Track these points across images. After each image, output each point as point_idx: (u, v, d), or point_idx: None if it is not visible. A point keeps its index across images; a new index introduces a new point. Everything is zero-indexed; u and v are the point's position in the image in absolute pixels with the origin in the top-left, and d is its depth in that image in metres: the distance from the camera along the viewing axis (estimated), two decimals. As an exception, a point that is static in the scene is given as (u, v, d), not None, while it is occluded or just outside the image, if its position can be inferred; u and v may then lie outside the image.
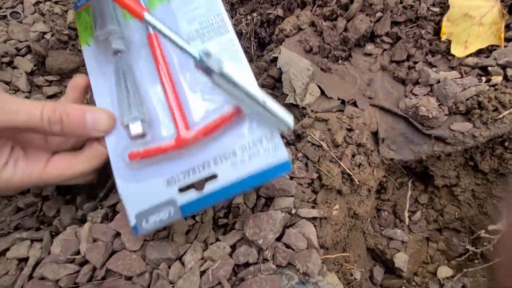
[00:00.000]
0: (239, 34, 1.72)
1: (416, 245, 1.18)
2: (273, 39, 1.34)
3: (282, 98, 1.18)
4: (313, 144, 0.95)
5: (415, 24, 1.05)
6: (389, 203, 1.24)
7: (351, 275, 1.06)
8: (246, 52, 1.68)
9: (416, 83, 1.02)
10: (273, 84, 1.21)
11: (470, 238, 1.15)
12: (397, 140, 1.01)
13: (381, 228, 1.21)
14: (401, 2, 1.06)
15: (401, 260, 1.12)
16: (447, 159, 1.04)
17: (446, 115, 0.94)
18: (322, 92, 1.03)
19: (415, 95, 1.00)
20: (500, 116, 0.87)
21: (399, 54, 1.06)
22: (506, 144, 0.93)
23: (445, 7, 1.01)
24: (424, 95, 0.99)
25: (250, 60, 1.69)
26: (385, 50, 1.09)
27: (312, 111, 1.02)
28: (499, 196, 1.05)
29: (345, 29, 1.12)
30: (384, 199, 1.23)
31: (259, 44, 1.57)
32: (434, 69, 1.02)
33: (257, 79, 1.24)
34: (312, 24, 1.21)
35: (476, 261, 1.12)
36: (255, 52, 1.57)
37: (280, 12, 1.42)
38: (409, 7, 1.03)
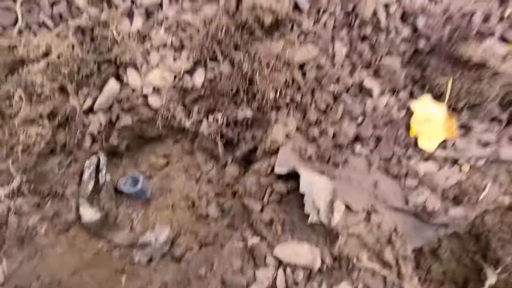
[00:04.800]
0: (197, 136, 1.54)
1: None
2: (259, 147, 1.26)
3: (297, 214, 1.11)
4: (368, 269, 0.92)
5: (389, 125, 1.22)
6: None
7: None
8: (210, 153, 1.53)
9: (406, 175, 1.17)
10: (280, 199, 1.12)
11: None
12: (410, 233, 1.10)
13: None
14: (373, 109, 1.21)
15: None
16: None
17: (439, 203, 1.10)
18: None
19: (408, 188, 1.14)
20: (480, 198, 1.09)
21: (385, 153, 1.19)
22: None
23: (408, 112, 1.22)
24: (416, 187, 1.14)
25: (216, 161, 1.54)
26: (371, 149, 1.21)
27: (343, 228, 0.99)
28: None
29: (334, 135, 1.18)
30: None
31: (226, 144, 1.45)
32: (412, 161, 1.20)
33: (260, 198, 1.12)
34: (297, 129, 1.22)
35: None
36: (223, 152, 1.44)
37: (248, 113, 1.38)
38: (386, 113, 1.19)
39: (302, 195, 1.10)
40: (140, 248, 1.32)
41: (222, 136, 1.42)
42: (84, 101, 1.34)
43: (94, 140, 1.40)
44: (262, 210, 1.11)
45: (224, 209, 1.36)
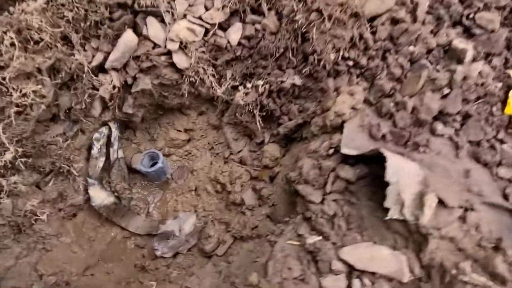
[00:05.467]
0: (228, 107, 1.27)
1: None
2: (313, 122, 1.01)
3: (367, 207, 0.88)
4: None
5: (482, 100, 0.96)
6: None
7: None
8: (244, 129, 1.27)
9: (500, 163, 0.93)
10: (345, 188, 0.89)
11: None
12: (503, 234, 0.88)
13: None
14: (464, 79, 0.95)
15: None
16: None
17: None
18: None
19: (501, 178, 0.91)
20: None
21: (474, 134, 0.94)
22: None
23: (507, 82, 0.97)
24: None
25: (250, 139, 1.29)
26: (457, 130, 0.96)
27: (434, 229, 0.77)
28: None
29: (413, 110, 0.93)
30: None
31: (265, 118, 1.20)
32: (505, 145, 0.96)
33: (320, 186, 0.89)
34: (365, 101, 0.97)
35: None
36: (261, 128, 1.19)
37: (297, 80, 1.12)
38: (481, 84, 0.94)
39: (375, 184, 0.87)
40: (162, 239, 1.11)
41: (261, 107, 1.16)
42: (93, 57, 1.07)
43: (105, 106, 1.14)
44: (322, 201, 0.88)
45: (263, 196, 1.13)
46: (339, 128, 0.94)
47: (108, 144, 1.21)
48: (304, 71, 1.08)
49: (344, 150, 0.87)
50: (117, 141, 1.22)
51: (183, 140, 1.37)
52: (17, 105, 0.85)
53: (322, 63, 1.03)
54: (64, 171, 0.99)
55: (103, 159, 1.15)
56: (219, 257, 1.06)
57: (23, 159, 0.86)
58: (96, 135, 1.14)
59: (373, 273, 0.75)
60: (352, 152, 0.86)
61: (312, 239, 0.83)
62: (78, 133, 1.08)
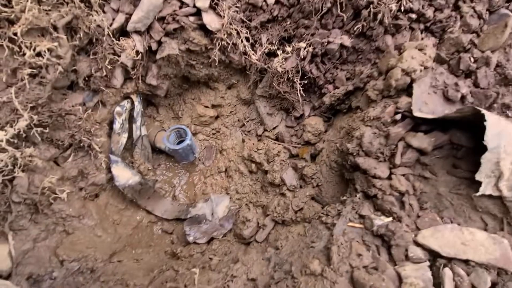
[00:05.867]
0: (263, 76, 1.13)
1: None
2: (367, 87, 0.85)
3: (446, 182, 0.73)
4: None
5: None
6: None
7: None
8: (281, 101, 1.13)
9: None
10: (417, 159, 0.74)
11: None
12: None
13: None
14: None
15: None
16: None
17: None
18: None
19: None
20: None
21: None
22: None
23: None
24: None
25: (288, 112, 1.14)
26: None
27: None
28: None
29: (498, 65, 0.77)
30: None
31: (306, 86, 1.05)
32: None
33: (386, 159, 0.74)
34: (436, 60, 0.81)
35: None
36: (302, 98, 1.04)
37: (346, 40, 0.97)
38: None
39: (456, 155, 0.72)
40: (193, 223, 0.98)
41: (303, 74, 1.01)
42: (114, 19, 0.95)
43: (127, 76, 1.02)
44: (390, 176, 0.74)
45: (305, 176, 0.99)
46: (406, 90, 0.78)
47: (131, 119, 1.09)
48: (356, 28, 0.92)
49: (418, 114, 0.71)
50: (140, 117, 1.10)
51: (210, 117, 1.24)
52: (31, 66, 0.74)
53: (378, 17, 0.88)
54: (84, 146, 0.87)
55: (126, 135, 1.03)
56: (260, 243, 0.93)
57: (39, 129, 0.74)
58: (118, 108, 1.02)
59: (466, 261, 0.61)
60: (428, 115, 0.71)
61: (382, 221, 0.69)
62: (98, 105, 0.96)
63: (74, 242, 0.77)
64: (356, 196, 0.77)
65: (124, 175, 0.95)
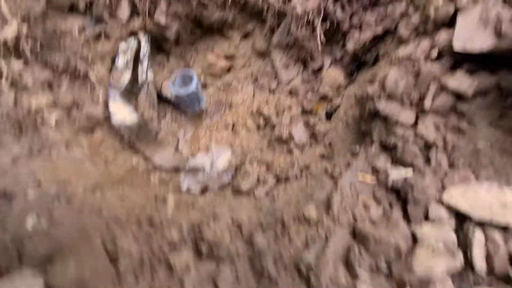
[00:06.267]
0: (281, 21, 1.02)
1: None
2: (402, 24, 0.71)
3: (485, 135, 0.59)
4: None
5: None
6: None
7: None
8: (299, 50, 1.01)
9: None
10: (452, 106, 0.61)
11: None
12: None
13: None
14: None
15: None
16: None
17: None
18: None
19: None
20: None
21: None
22: None
23: None
24: None
25: (305, 64, 1.02)
26: None
27: None
28: None
29: None
30: None
31: (327, 33, 0.93)
32: None
33: (417, 99, 0.61)
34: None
35: None
36: (322, 46, 0.92)
37: (379, -25, 0.82)
38: None
39: (504, 104, 0.57)
40: (189, 173, 0.92)
41: (324, 17, 0.89)
42: None
43: (134, 9, 0.96)
44: (416, 123, 0.61)
45: (317, 133, 0.88)
46: (447, 25, 0.64)
47: (137, 60, 1.02)
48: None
49: (460, 50, 0.57)
50: (147, 59, 1.04)
51: (222, 68, 1.15)
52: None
53: None
54: (80, 74, 0.82)
55: (128, 75, 0.97)
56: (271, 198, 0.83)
57: (30, 43, 0.69)
58: (123, 45, 0.96)
59: (505, 228, 0.48)
60: (474, 49, 0.57)
61: (399, 174, 0.57)
62: (101, 36, 0.90)
63: (58, 168, 0.72)
64: (372, 146, 0.65)
65: (121, 112, 0.90)
